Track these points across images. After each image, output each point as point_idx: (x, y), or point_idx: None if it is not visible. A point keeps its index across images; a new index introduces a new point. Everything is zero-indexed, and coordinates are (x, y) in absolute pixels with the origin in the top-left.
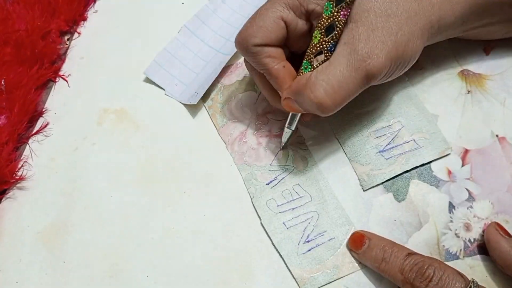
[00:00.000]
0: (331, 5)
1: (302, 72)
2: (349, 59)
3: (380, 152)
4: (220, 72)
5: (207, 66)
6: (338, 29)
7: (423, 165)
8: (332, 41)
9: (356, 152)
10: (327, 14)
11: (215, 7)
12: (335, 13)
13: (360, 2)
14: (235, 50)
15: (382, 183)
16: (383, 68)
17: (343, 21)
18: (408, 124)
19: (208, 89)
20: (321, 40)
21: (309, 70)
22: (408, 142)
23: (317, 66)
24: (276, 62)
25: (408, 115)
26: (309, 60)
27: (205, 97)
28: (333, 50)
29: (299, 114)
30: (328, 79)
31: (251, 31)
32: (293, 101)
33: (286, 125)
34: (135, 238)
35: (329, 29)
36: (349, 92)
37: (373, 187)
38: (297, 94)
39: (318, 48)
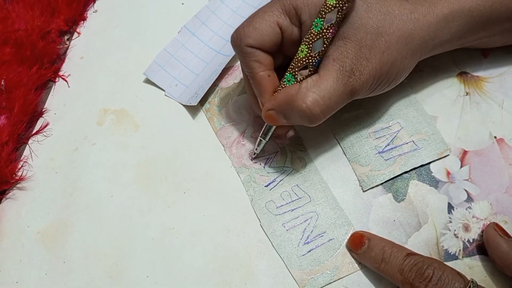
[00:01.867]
0: (321, 22)
1: (284, 84)
2: (338, 74)
3: (379, 153)
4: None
5: (207, 67)
6: (325, 45)
7: (422, 166)
8: (318, 57)
9: (356, 153)
10: (316, 30)
11: (214, 7)
12: (325, 30)
13: (351, 19)
14: None
15: (382, 183)
16: (365, 85)
17: (330, 38)
18: (407, 126)
19: (205, 92)
20: (308, 55)
21: (292, 83)
22: (407, 143)
23: (301, 80)
24: (263, 68)
25: (407, 117)
26: (293, 74)
27: (202, 100)
28: (317, 66)
29: (274, 126)
30: (319, 91)
31: (247, 31)
32: (277, 113)
33: (260, 135)
34: (135, 238)
35: (317, 45)
36: (337, 104)
37: (372, 187)
38: (285, 104)
39: (304, 63)
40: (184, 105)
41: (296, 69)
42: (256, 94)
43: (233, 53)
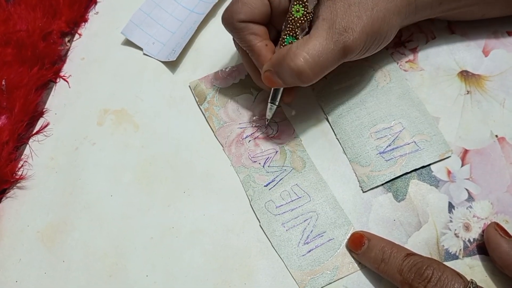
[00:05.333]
0: None
1: (283, 46)
2: (328, 32)
3: (380, 153)
4: (216, 75)
5: (183, 25)
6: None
7: (423, 167)
8: (313, 14)
9: (357, 153)
10: None
11: None
12: None
13: None
14: (209, 9)
15: (382, 184)
16: (359, 42)
17: None
18: (409, 126)
19: (203, 91)
20: (305, 13)
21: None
22: (408, 144)
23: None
24: (259, 39)
25: (410, 117)
26: (294, 35)
27: (201, 99)
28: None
29: (281, 89)
30: (308, 50)
31: (236, 8)
32: (273, 73)
33: (270, 100)
34: (135, 238)
35: (311, 2)
36: (327, 63)
37: (372, 188)
38: (278, 64)
39: (302, 22)
40: (184, 104)
41: (297, 30)
42: (257, 66)
43: (207, 11)
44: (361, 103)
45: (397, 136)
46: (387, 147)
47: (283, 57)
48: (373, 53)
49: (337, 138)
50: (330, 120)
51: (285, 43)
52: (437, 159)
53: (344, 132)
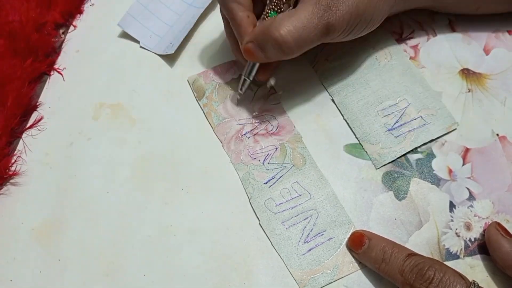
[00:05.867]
0: None
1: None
2: (313, 8)
3: (389, 130)
4: (215, 70)
5: (180, 19)
6: None
7: (431, 141)
8: None
9: (366, 131)
10: None
11: None
12: None
13: None
14: (207, 3)
15: (393, 160)
16: (342, 21)
17: None
18: (414, 102)
19: (202, 87)
20: None
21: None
22: (415, 119)
23: None
24: (242, 10)
25: (414, 93)
26: (277, 10)
27: (200, 95)
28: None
29: (258, 64)
30: (292, 21)
31: None
32: (255, 46)
33: (244, 75)
34: (132, 236)
35: None
36: (311, 38)
37: (385, 165)
38: (261, 35)
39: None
40: (182, 99)
41: (281, 6)
42: (236, 36)
43: (206, 5)
44: (365, 82)
45: (403, 112)
46: (395, 123)
47: (267, 28)
48: (358, 36)
49: (345, 119)
50: (336, 102)
51: (269, 17)
52: (445, 132)
53: (351, 112)
